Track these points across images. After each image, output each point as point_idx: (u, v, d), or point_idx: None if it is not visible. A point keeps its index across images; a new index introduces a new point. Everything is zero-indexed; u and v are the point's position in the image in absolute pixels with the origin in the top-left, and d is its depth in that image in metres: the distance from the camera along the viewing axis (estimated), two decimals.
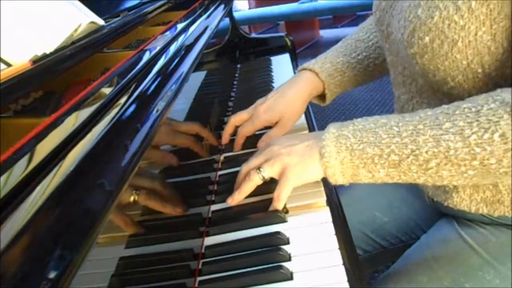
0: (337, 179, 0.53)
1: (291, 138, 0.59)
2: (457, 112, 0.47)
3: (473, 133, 0.45)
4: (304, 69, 0.77)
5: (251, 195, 0.61)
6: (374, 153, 0.50)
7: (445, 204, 0.63)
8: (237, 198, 0.58)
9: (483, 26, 0.47)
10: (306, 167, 0.54)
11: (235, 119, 0.73)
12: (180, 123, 0.67)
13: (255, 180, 0.56)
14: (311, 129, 0.78)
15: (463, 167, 0.46)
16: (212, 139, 0.73)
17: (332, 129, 0.54)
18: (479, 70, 0.50)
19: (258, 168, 0.56)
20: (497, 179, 0.48)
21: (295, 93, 0.73)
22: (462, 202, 0.61)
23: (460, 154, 0.46)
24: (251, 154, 0.71)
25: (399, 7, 0.57)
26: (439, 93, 0.56)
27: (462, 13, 0.47)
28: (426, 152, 0.47)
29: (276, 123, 0.72)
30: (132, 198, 0.50)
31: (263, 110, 0.72)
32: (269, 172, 0.56)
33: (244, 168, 0.59)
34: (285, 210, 0.57)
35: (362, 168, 0.51)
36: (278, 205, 0.55)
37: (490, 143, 0.44)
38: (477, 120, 0.45)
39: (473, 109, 0.46)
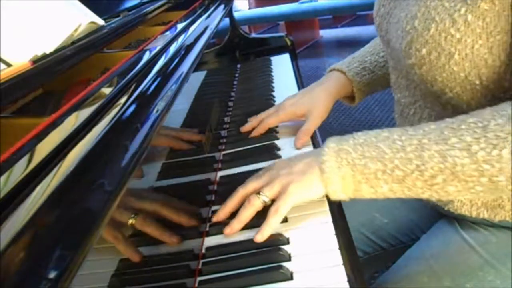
0: (338, 195, 0.51)
1: (288, 159, 0.57)
2: (463, 126, 0.46)
3: (481, 149, 0.43)
4: (333, 69, 0.78)
5: None
6: (377, 168, 0.48)
7: (446, 208, 0.63)
8: (236, 227, 0.53)
9: (480, 39, 0.47)
10: (307, 184, 0.52)
11: (263, 115, 0.76)
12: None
13: (256, 205, 0.53)
14: None
15: (471, 183, 0.45)
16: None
17: (331, 143, 0.52)
18: (477, 82, 0.50)
19: (258, 192, 0.54)
20: (506, 194, 0.47)
21: (322, 90, 0.75)
22: (462, 206, 0.60)
23: (468, 171, 0.44)
24: (251, 152, 0.72)
25: (396, 16, 0.57)
26: (441, 99, 0.56)
27: (458, 26, 0.47)
28: (432, 167, 0.46)
29: (305, 118, 0.73)
30: (130, 222, 0.50)
31: (289, 104, 0.74)
32: (269, 194, 0.53)
33: (241, 191, 0.55)
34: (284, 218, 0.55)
35: (365, 183, 0.49)
36: (276, 219, 0.51)
37: (499, 160, 0.43)
38: (485, 136, 0.44)
39: (480, 124, 0.45)
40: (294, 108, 0.73)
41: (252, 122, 0.76)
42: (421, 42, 0.51)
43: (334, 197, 0.52)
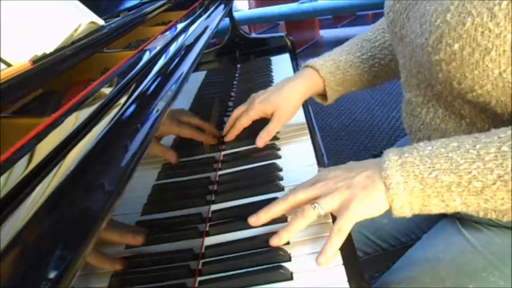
0: (404, 211, 0.48)
1: (344, 169, 0.53)
2: None
3: None
4: (306, 66, 0.77)
5: (250, 195, 0.61)
6: (450, 181, 0.45)
7: None
8: (286, 238, 0.50)
9: None
10: (370, 200, 0.48)
11: (236, 113, 0.75)
12: (183, 114, 0.68)
13: (310, 218, 0.50)
14: (310, 128, 0.78)
15: None
16: (214, 131, 0.75)
17: (393, 155, 0.49)
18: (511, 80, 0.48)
19: (312, 202, 0.50)
20: None
21: (291, 87, 0.74)
22: None
23: None
24: (251, 152, 0.72)
25: (420, 10, 0.55)
26: (459, 99, 0.54)
27: (498, 21, 0.45)
28: None
29: (271, 117, 0.73)
30: None
31: (258, 101, 0.73)
32: (327, 207, 0.50)
33: (291, 198, 0.52)
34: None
35: (435, 197, 0.46)
36: (340, 239, 0.48)
37: None
38: None
39: None
40: (262, 106, 0.72)
41: (229, 122, 0.76)
42: (454, 37, 0.48)
43: (399, 213, 0.49)
